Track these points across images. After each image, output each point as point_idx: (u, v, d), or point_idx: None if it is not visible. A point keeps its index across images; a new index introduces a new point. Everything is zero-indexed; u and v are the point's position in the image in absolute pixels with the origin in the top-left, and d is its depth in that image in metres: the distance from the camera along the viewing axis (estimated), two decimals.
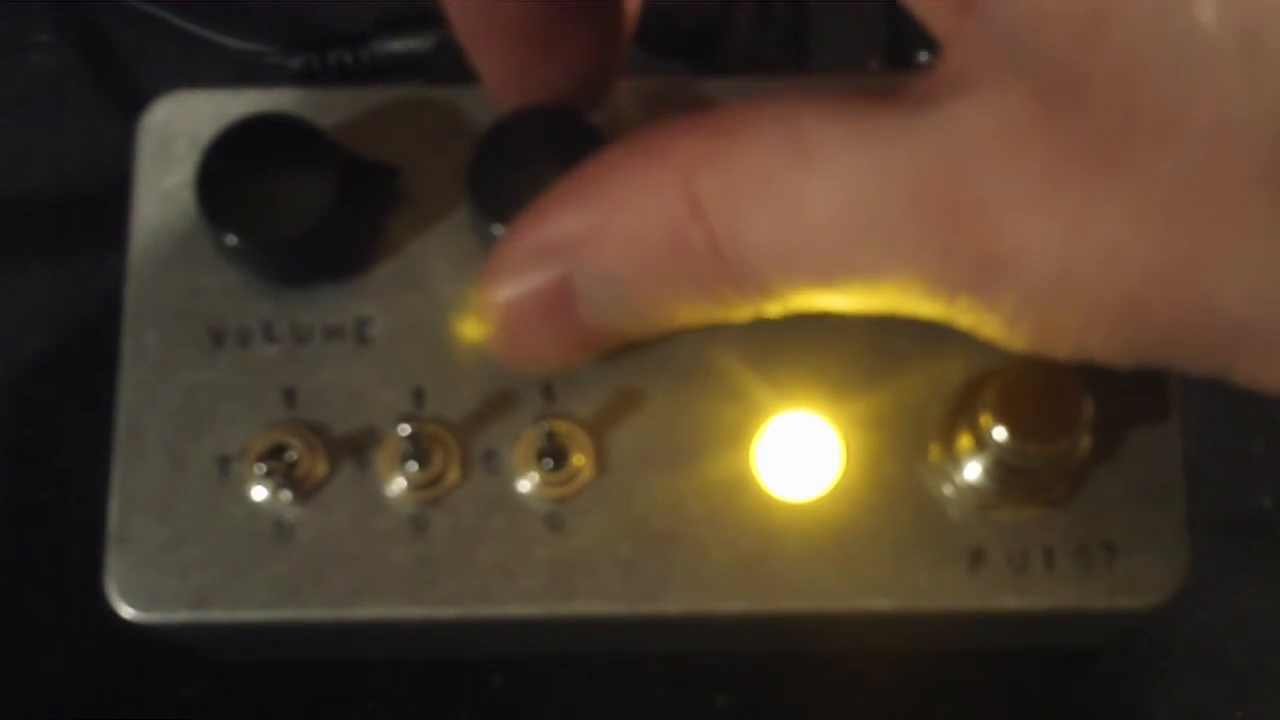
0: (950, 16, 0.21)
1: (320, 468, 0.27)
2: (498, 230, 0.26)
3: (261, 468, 0.27)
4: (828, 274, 0.20)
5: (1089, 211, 0.18)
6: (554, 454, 0.27)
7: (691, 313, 0.22)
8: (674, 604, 0.27)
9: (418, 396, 0.28)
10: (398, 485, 0.27)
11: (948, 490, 0.27)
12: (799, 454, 0.27)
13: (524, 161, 0.27)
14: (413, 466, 0.27)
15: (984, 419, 0.26)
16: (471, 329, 0.28)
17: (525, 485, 0.27)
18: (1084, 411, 0.25)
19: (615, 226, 0.21)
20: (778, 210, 0.20)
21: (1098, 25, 0.17)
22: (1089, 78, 0.18)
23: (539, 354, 0.24)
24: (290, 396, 0.28)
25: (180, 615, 0.27)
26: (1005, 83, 0.19)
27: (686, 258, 0.21)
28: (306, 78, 0.37)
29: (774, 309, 0.21)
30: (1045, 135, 0.18)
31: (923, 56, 0.36)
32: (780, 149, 0.20)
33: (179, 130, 0.29)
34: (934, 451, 0.27)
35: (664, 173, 0.21)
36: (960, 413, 0.27)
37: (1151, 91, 0.17)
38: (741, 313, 0.22)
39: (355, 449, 0.28)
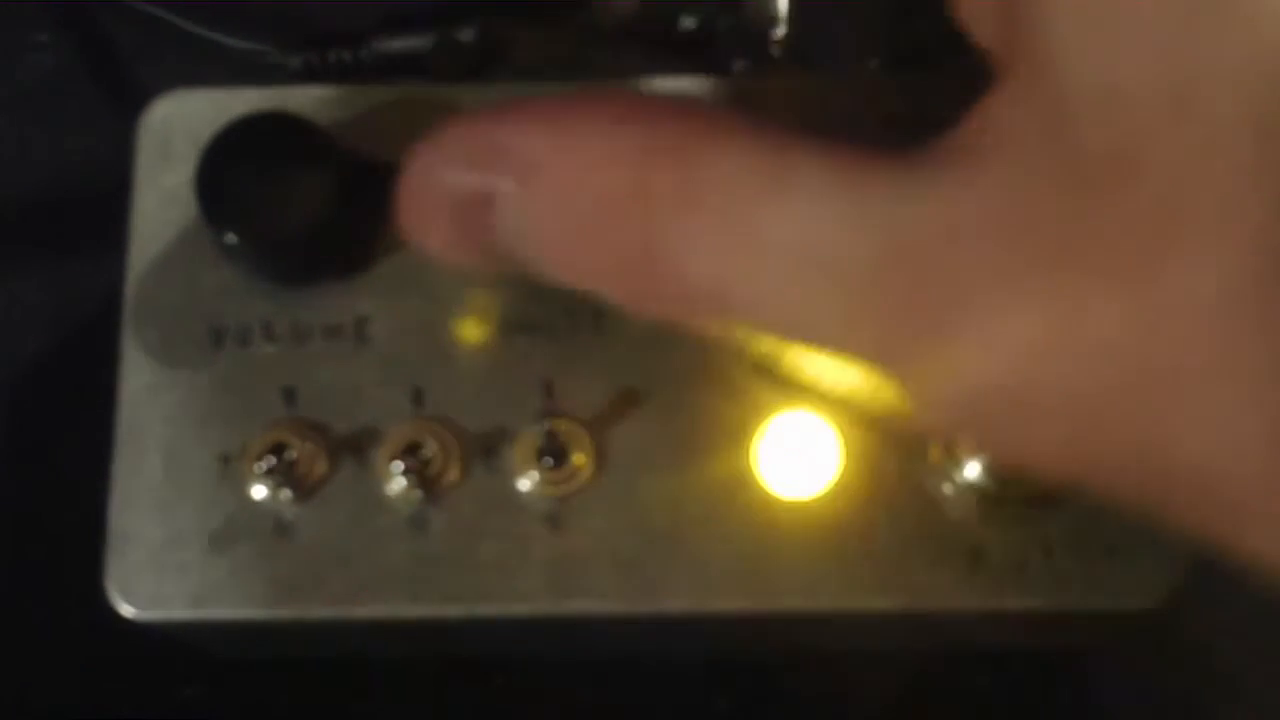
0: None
1: (320, 467, 0.27)
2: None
3: (261, 467, 0.27)
4: (758, 307, 0.19)
5: (1084, 312, 0.17)
6: (554, 453, 0.27)
7: (600, 289, 0.20)
8: (674, 603, 0.27)
9: (417, 396, 0.28)
10: (397, 484, 0.27)
11: (947, 489, 0.27)
12: (799, 453, 0.27)
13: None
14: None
15: None
16: (471, 328, 0.28)
17: (525, 484, 0.27)
18: None
19: (560, 166, 0.20)
20: (728, 228, 0.19)
21: (1177, 108, 0.16)
22: (1146, 164, 0.16)
23: (433, 240, 0.22)
24: (290, 396, 0.28)
25: (180, 614, 0.27)
26: (1032, 159, 0.17)
27: (614, 239, 0.19)
28: (306, 77, 0.37)
29: (682, 319, 0.20)
30: (1066, 223, 0.17)
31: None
32: (757, 170, 0.19)
33: (179, 129, 0.29)
34: (934, 450, 0.27)
35: (628, 146, 0.19)
36: None
37: (1212, 194, 0.16)
38: (648, 312, 0.20)
39: (355, 448, 0.28)
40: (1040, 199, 0.17)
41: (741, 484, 0.27)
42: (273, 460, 0.27)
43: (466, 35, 0.36)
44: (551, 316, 0.28)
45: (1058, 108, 0.17)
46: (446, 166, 0.21)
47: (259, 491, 0.27)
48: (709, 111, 0.20)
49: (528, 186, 0.20)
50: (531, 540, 0.27)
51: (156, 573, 0.27)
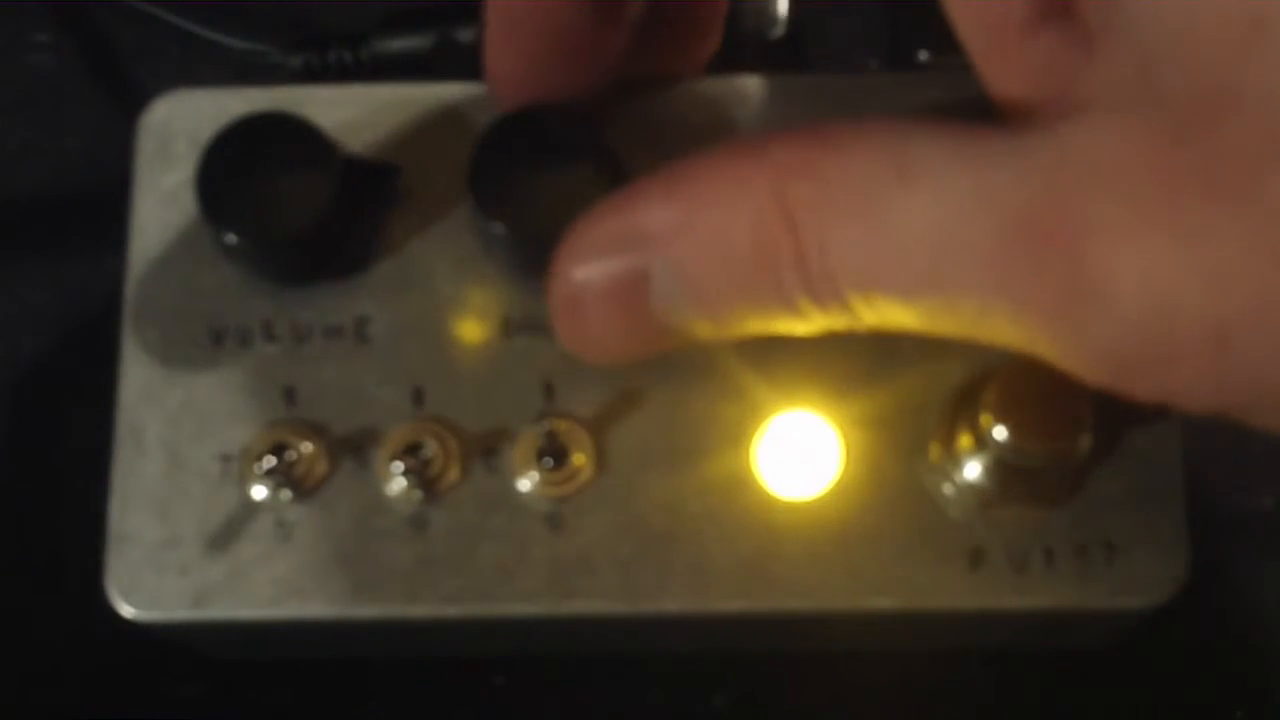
0: (1046, 49, 0.20)
1: (320, 467, 0.27)
2: (498, 229, 0.26)
3: (261, 467, 0.27)
4: (911, 293, 0.20)
5: (1201, 239, 0.18)
6: (554, 453, 0.27)
7: (763, 320, 0.22)
8: (673, 603, 0.27)
9: (417, 396, 0.28)
10: (397, 484, 0.27)
11: (948, 489, 0.27)
12: (799, 453, 0.27)
13: (524, 161, 0.27)
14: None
15: (984, 418, 0.26)
16: (471, 328, 0.28)
17: (525, 484, 0.27)
18: (1084, 411, 0.25)
19: (702, 222, 0.21)
20: (870, 225, 0.20)
21: (1256, 32, 0.17)
22: (1235, 92, 0.17)
23: (601, 340, 0.24)
24: (290, 395, 0.28)
25: (180, 614, 0.27)
26: (1134, 107, 0.18)
27: (769, 263, 0.21)
28: (306, 77, 0.37)
29: (846, 324, 0.21)
30: (1168, 159, 0.18)
31: (922, 56, 0.36)
32: (880, 165, 0.20)
33: (179, 129, 0.29)
34: (934, 451, 0.27)
35: (759, 175, 0.21)
36: (960, 412, 0.27)
37: None
38: (812, 325, 0.21)
39: (355, 448, 0.28)
40: (1143, 143, 0.18)
41: (741, 484, 0.27)
42: (273, 460, 0.27)
43: (466, 35, 0.36)
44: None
45: (1142, 54, 0.18)
46: (592, 268, 0.23)
47: (259, 491, 0.27)
48: (823, 125, 0.21)
49: (675, 251, 0.22)
50: (531, 540, 0.27)
51: (156, 573, 0.27)
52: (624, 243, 0.22)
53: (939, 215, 0.19)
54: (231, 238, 0.27)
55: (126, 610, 0.27)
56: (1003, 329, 0.20)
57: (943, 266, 0.19)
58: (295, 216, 0.27)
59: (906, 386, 0.28)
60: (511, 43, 0.26)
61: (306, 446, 0.27)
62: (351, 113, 0.29)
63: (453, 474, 0.27)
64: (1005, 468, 0.26)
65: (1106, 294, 0.18)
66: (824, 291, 0.20)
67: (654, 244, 0.22)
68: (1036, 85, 0.20)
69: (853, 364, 0.28)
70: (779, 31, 0.35)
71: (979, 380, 0.27)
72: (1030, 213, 0.19)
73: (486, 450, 0.28)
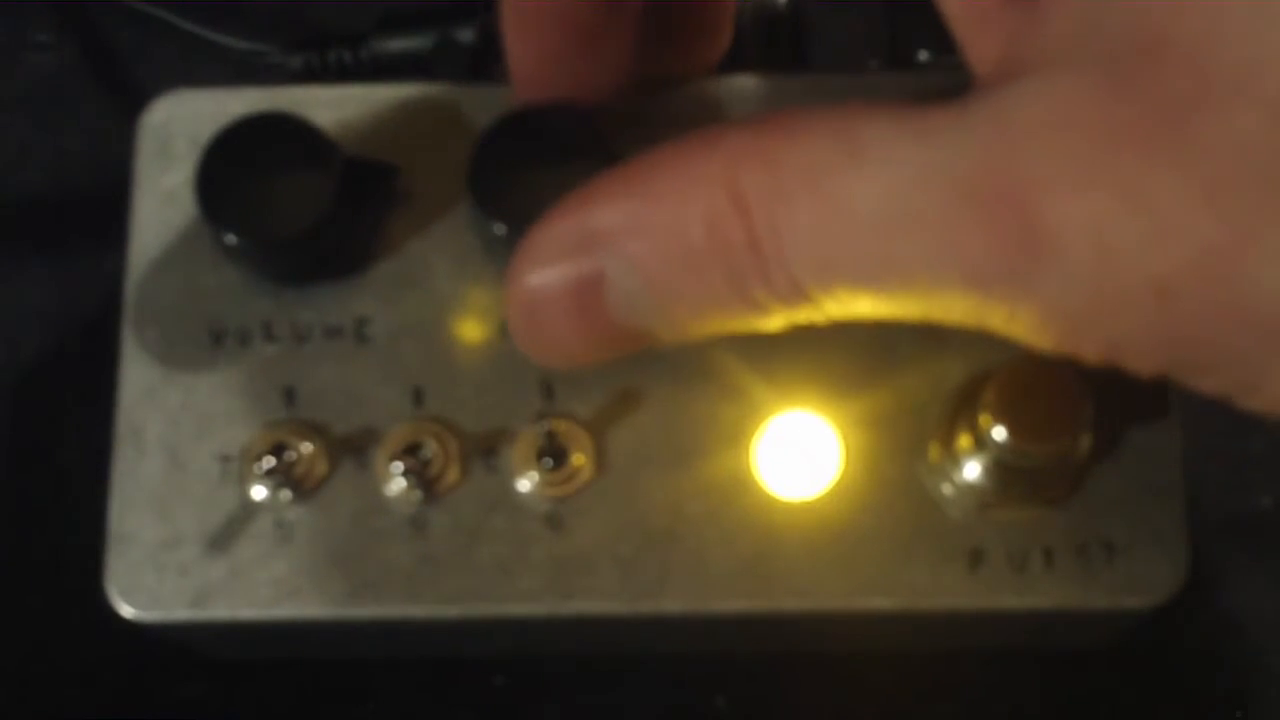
0: (1006, 14, 0.20)
1: (320, 467, 0.27)
2: (498, 229, 0.26)
3: (261, 467, 0.27)
4: (866, 274, 0.20)
5: (1139, 192, 0.18)
6: (554, 453, 0.27)
7: (721, 316, 0.22)
8: (673, 603, 0.27)
9: (417, 396, 0.28)
10: (397, 485, 0.27)
11: (947, 490, 0.27)
12: (799, 453, 0.27)
13: (524, 161, 0.27)
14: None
15: (984, 418, 0.26)
16: (471, 328, 0.28)
17: (525, 484, 0.27)
18: (1084, 411, 0.25)
19: (654, 217, 0.21)
20: (822, 208, 0.20)
21: None
22: (1167, 39, 0.18)
23: (559, 346, 0.23)
24: (290, 396, 0.28)
25: (180, 614, 0.27)
26: (1074, 64, 0.18)
27: (724, 254, 0.20)
28: (306, 77, 0.37)
29: (806, 315, 0.21)
30: (1107, 113, 0.18)
31: (922, 56, 0.36)
32: (830, 146, 0.20)
33: (179, 130, 0.29)
34: (934, 451, 0.27)
35: (710, 165, 0.20)
36: (960, 412, 0.27)
37: (1228, 53, 0.17)
38: (772, 319, 0.21)
39: (355, 448, 0.28)
40: (1082, 99, 0.18)
41: (741, 484, 0.27)
42: (273, 460, 0.27)
43: (466, 35, 0.36)
44: None
45: (1083, 11, 0.19)
46: (547, 271, 0.22)
47: (259, 492, 0.27)
48: (774, 114, 0.21)
49: (630, 247, 0.21)
50: (531, 540, 0.27)
51: (156, 573, 0.27)
52: (578, 245, 0.22)
53: (888, 192, 0.19)
54: (231, 238, 0.27)
55: (126, 610, 0.27)
56: (956, 305, 0.20)
57: (894, 244, 0.19)
58: (295, 216, 0.27)
59: (906, 386, 0.28)
60: (526, 39, 0.26)
61: (306, 447, 0.27)
62: (351, 113, 0.29)
63: (452, 474, 0.27)
64: (1005, 468, 0.26)
65: (1054, 249, 0.18)
66: (780, 281, 0.20)
67: (608, 243, 0.22)
68: (999, 54, 0.20)
69: (853, 364, 0.28)
70: (779, 31, 0.35)
71: (979, 380, 0.27)
72: (974, 178, 0.19)
73: (486, 450, 0.28)
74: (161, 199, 0.29)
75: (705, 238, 0.21)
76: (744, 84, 0.29)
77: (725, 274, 0.21)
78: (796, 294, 0.21)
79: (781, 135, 0.20)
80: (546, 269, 0.22)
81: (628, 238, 0.21)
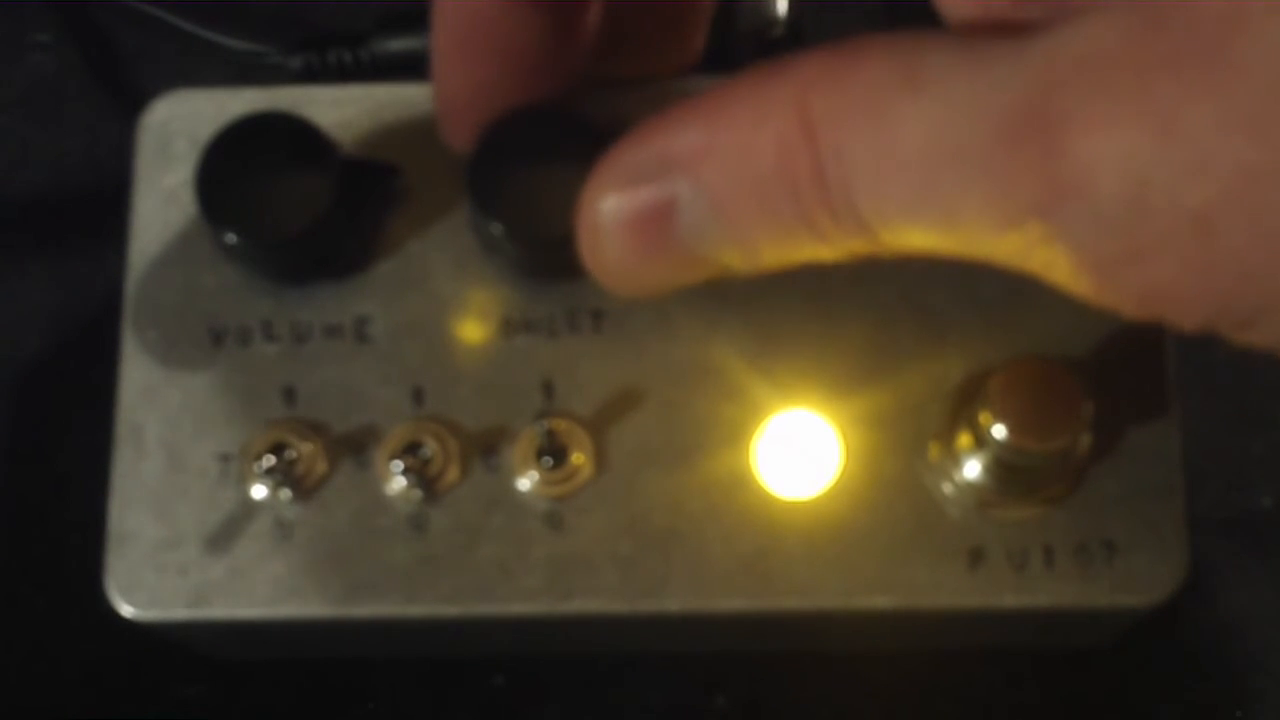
0: None
1: (320, 466, 0.27)
2: (497, 230, 0.26)
3: (261, 466, 0.27)
4: (914, 206, 0.20)
5: (1175, 122, 0.18)
6: (554, 452, 0.27)
7: (788, 244, 0.21)
8: (673, 602, 0.27)
9: (417, 395, 0.28)
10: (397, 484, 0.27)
11: (947, 488, 0.27)
12: (799, 452, 0.27)
13: (524, 161, 0.27)
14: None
15: (984, 417, 0.26)
16: (472, 328, 0.28)
17: (525, 484, 0.27)
18: (1084, 409, 0.25)
19: (726, 142, 0.21)
20: (878, 135, 0.20)
21: None
22: None
23: (630, 272, 0.23)
24: (290, 395, 0.28)
25: (180, 614, 0.27)
26: (1115, 5, 0.18)
27: (791, 179, 0.20)
28: (306, 77, 0.37)
29: (866, 245, 0.21)
30: (1145, 46, 0.18)
31: None
32: (892, 72, 0.20)
33: (178, 129, 0.29)
34: (934, 449, 0.27)
35: (781, 91, 0.20)
36: (960, 410, 0.27)
37: None
38: (836, 249, 0.21)
39: (355, 448, 0.28)
40: (1123, 34, 0.18)
41: (741, 483, 0.27)
42: (273, 460, 0.27)
43: None
44: (551, 316, 0.28)
45: None
46: (620, 194, 0.22)
47: (259, 491, 0.27)
48: (847, 40, 0.21)
49: (702, 174, 0.21)
50: (531, 540, 0.27)
51: (156, 573, 0.27)
52: (651, 170, 0.22)
53: (938, 123, 0.19)
54: (231, 238, 0.27)
55: (126, 610, 0.27)
56: (999, 244, 0.19)
57: (938, 176, 0.19)
58: (295, 216, 0.27)
59: (906, 386, 0.28)
60: (462, 67, 0.26)
61: (306, 446, 0.27)
62: (351, 113, 0.29)
63: (452, 473, 0.27)
64: (1005, 467, 0.26)
65: (1085, 187, 0.18)
66: (840, 206, 0.20)
67: (680, 169, 0.21)
68: None
69: (853, 363, 0.28)
70: (779, 31, 0.35)
71: (979, 379, 0.27)
72: (1012, 113, 0.19)
73: (486, 450, 0.28)
74: (161, 199, 0.29)
75: (774, 162, 0.20)
76: None
77: (791, 200, 0.21)
78: (856, 223, 0.20)
79: (850, 60, 0.20)
80: (619, 194, 0.22)
81: (700, 162, 0.21)
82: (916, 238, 0.20)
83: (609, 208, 0.22)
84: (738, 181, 0.21)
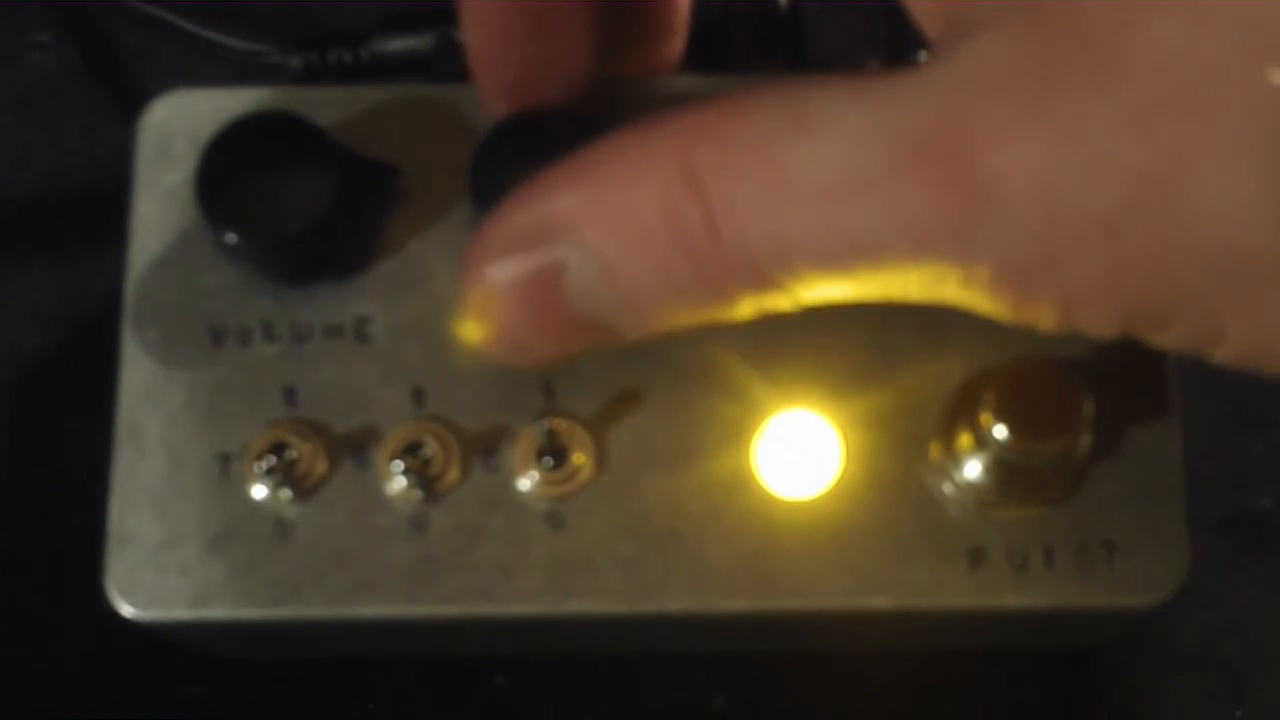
0: None
1: (320, 466, 0.27)
2: None
3: (261, 467, 0.27)
4: (818, 247, 0.19)
5: (1074, 128, 0.17)
6: (554, 452, 0.27)
7: (685, 304, 0.21)
8: (674, 602, 0.27)
9: (418, 395, 0.28)
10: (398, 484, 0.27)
11: (948, 489, 0.27)
12: (799, 452, 0.27)
13: (524, 161, 0.27)
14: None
15: (984, 417, 0.26)
16: (471, 328, 0.28)
17: (525, 484, 0.27)
18: (1084, 410, 0.25)
19: (609, 202, 0.20)
20: (772, 180, 0.19)
21: None
22: None
23: (520, 341, 0.23)
24: (290, 395, 0.28)
25: (180, 614, 0.27)
26: (1004, 18, 0.18)
27: (681, 234, 0.20)
28: (306, 77, 0.37)
29: (773, 299, 0.20)
30: (1042, 55, 0.18)
31: (923, 57, 0.36)
32: (779, 118, 0.19)
33: (178, 129, 0.29)
34: (934, 450, 0.27)
35: (662, 145, 0.20)
36: (960, 411, 0.27)
37: None
38: (738, 305, 0.21)
39: (355, 448, 0.28)
40: (1021, 46, 0.18)
41: (741, 484, 0.27)
42: (273, 460, 0.27)
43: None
44: None
45: None
46: (504, 261, 0.22)
47: (259, 491, 0.27)
48: (727, 92, 0.20)
49: (586, 236, 0.21)
50: (531, 540, 0.27)
51: (156, 573, 0.27)
52: (534, 234, 0.21)
53: (835, 159, 0.19)
54: (231, 237, 0.27)
55: (126, 610, 0.27)
56: (912, 275, 0.19)
57: (842, 212, 0.19)
58: (295, 216, 0.27)
59: (906, 386, 0.28)
60: (481, 19, 0.26)
61: (306, 446, 0.27)
62: (351, 113, 0.29)
63: (453, 473, 0.27)
64: (1005, 467, 0.26)
65: (995, 199, 0.18)
66: (737, 257, 0.20)
67: (565, 231, 0.21)
68: (945, 18, 0.20)
69: (853, 364, 0.28)
70: (779, 31, 0.35)
71: (979, 380, 0.27)
72: (915, 138, 0.18)
73: (486, 450, 0.28)
74: (161, 199, 0.29)
75: (662, 219, 0.20)
76: (743, 84, 0.29)
77: (684, 257, 0.20)
78: (757, 275, 0.20)
79: (733, 111, 0.20)
80: (503, 261, 0.22)
81: (583, 223, 0.21)
82: (822, 281, 0.20)
83: (494, 275, 0.22)
84: (623, 241, 0.21)
